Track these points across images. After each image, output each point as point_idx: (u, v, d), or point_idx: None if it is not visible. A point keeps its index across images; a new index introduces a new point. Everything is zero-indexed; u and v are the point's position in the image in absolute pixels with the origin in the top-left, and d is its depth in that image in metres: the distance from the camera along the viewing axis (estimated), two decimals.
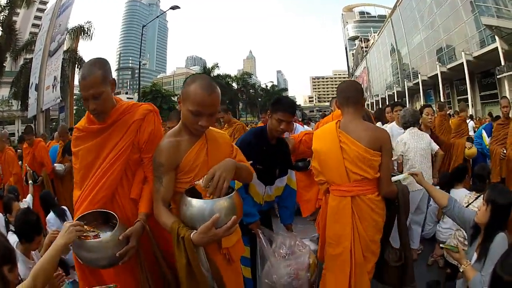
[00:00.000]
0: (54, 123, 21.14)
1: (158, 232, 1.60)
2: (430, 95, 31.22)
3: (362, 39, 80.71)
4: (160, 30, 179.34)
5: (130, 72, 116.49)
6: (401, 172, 2.88)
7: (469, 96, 22.67)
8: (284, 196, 2.48)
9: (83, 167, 1.61)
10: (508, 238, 1.73)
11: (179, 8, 16.09)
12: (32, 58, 16.02)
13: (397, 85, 38.11)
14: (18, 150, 6.38)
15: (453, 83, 27.36)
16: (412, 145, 3.19)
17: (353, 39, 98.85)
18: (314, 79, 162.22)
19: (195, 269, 1.31)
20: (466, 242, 2.32)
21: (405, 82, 34.00)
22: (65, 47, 14.79)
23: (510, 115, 4.16)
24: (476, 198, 2.80)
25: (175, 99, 33.00)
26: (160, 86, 39.04)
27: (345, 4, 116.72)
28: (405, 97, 33.56)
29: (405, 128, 3.33)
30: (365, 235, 1.91)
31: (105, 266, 1.48)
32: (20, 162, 5.11)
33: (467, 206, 2.71)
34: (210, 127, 1.55)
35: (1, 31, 17.05)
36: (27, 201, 3.49)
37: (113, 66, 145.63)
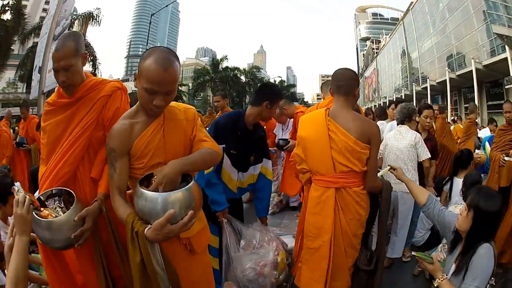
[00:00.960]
0: None
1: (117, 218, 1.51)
2: (438, 101, 30.83)
3: (374, 40, 79.78)
4: (172, 20, 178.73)
5: (139, 60, 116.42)
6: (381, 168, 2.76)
7: (476, 104, 22.34)
8: (259, 186, 2.41)
9: (50, 142, 1.60)
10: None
11: None
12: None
13: (405, 88, 37.78)
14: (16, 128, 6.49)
15: (461, 90, 26.99)
16: (390, 143, 3.04)
17: (364, 39, 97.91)
18: (323, 76, 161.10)
19: (149, 268, 1.20)
20: None
21: (414, 86, 33.69)
22: None
23: None
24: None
25: (182, 88, 33.00)
26: None
27: (359, 5, 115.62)
28: (413, 101, 33.21)
29: (400, 124, 3.17)
30: (348, 229, 1.83)
31: (61, 248, 1.42)
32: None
33: None
34: (173, 103, 1.42)
35: (10, 14, 17.20)
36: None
37: (123, 53, 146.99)
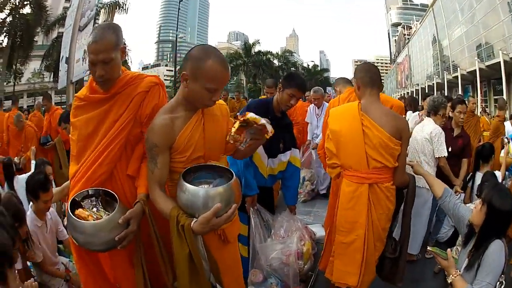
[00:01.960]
0: None
1: (155, 216, 1.47)
2: (468, 91, 29.55)
3: (405, 26, 76.81)
4: (201, 4, 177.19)
5: (170, 45, 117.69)
6: None
7: (504, 97, 21.35)
8: (288, 175, 2.44)
9: (81, 139, 1.53)
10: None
11: None
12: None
13: (437, 76, 36.03)
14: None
15: (490, 81, 25.78)
16: (413, 134, 2.95)
17: (395, 25, 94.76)
18: (356, 61, 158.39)
19: (196, 260, 1.25)
20: None
21: (445, 74, 32.40)
22: (100, 21, 15.16)
23: None
24: None
25: None
26: None
27: None
28: (444, 90, 32.05)
29: (427, 116, 3.10)
30: (378, 224, 1.86)
31: (101, 250, 1.40)
32: None
33: None
34: None
35: (30, 8, 17.67)
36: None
37: (153, 38, 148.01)
